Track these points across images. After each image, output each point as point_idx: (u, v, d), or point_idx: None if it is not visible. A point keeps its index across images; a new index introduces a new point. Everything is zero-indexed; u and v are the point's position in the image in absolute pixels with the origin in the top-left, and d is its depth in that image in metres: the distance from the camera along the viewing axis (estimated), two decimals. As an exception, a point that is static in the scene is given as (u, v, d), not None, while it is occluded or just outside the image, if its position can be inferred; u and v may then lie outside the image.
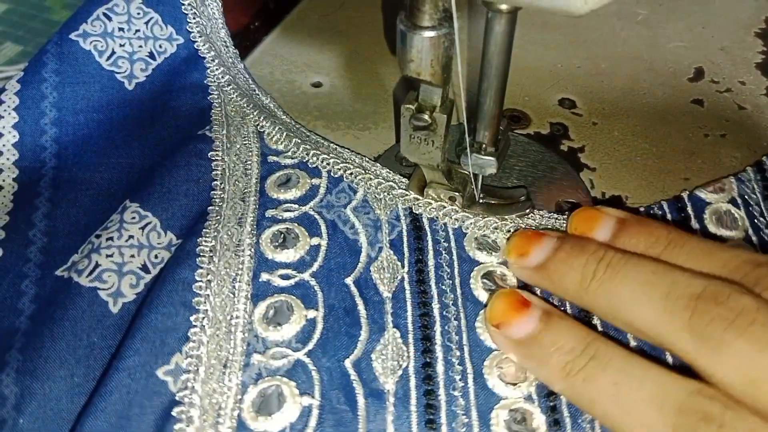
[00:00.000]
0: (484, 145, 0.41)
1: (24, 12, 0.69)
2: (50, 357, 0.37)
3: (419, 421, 0.35)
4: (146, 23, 0.51)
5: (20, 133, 0.47)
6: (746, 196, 0.44)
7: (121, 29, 0.50)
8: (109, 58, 0.50)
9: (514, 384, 0.36)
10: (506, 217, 0.43)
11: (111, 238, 0.41)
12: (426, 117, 0.38)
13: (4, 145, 0.47)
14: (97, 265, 0.40)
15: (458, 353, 0.37)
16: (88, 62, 0.49)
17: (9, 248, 0.43)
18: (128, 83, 0.50)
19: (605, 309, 0.35)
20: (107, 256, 0.40)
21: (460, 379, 0.36)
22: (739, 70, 0.58)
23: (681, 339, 0.31)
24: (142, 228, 0.42)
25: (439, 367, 0.37)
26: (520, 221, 0.43)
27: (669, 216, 0.43)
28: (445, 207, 0.43)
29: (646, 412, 0.31)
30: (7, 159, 0.46)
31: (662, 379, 0.32)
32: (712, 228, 0.42)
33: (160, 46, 0.51)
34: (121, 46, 0.50)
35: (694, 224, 0.43)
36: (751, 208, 0.43)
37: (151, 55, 0.51)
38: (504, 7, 0.34)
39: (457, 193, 0.43)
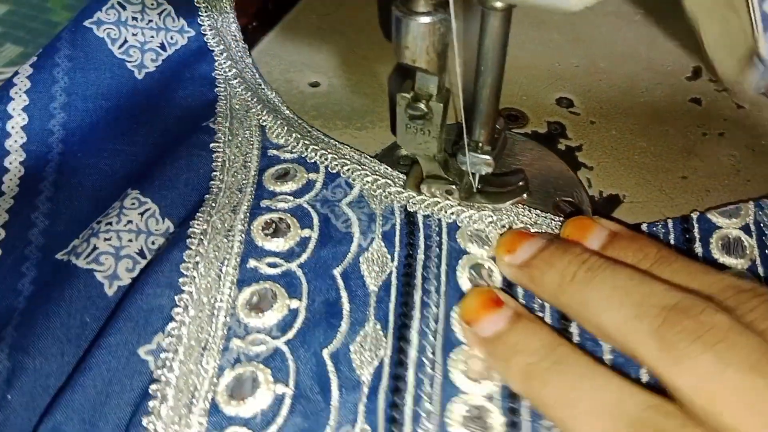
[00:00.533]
0: (480, 144, 0.41)
1: (25, 13, 0.69)
2: (43, 335, 0.37)
3: (385, 406, 0.35)
4: (159, 14, 0.52)
5: (29, 117, 0.47)
6: (762, 224, 0.42)
7: (134, 18, 0.51)
8: (121, 46, 0.50)
9: (478, 381, 0.36)
10: (503, 209, 0.42)
11: (110, 223, 0.41)
12: (422, 106, 0.38)
13: (13, 128, 0.47)
14: (94, 248, 0.40)
15: (433, 340, 0.37)
16: (101, 49, 0.50)
17: (11, 232, 0.43)
18: (138, 72, 0.51)
19: (578, 310, 0.35)
20: (105, 239, 0.40)
21: (430, 368, 0.36)
22: (737, 69, 0.57)
23: (646, 346, 0.31)
24: (141, 214, 0.42)
25: (412, 353, 0.37)
26: (516, 219, 0.42)
27: (672, 236, 0.42)
28: (440, 203, 0.43)
29: (598, 422, 0.31)
30: (15, 141, 0.47)
31: (621, 390, 0.31)
32: (716, 254, 0.41)
33: (172, 38, 0.51)
34: (133, 35, 0.51)
35: (698, 248, 0.41)
36: (765, 238, 0.42)
37: (162, 47, 0.51)
38: (498, 4, 0.34)
39: (453, 186, 0.42)
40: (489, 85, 0.38)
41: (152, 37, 0.51)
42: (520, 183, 0.44)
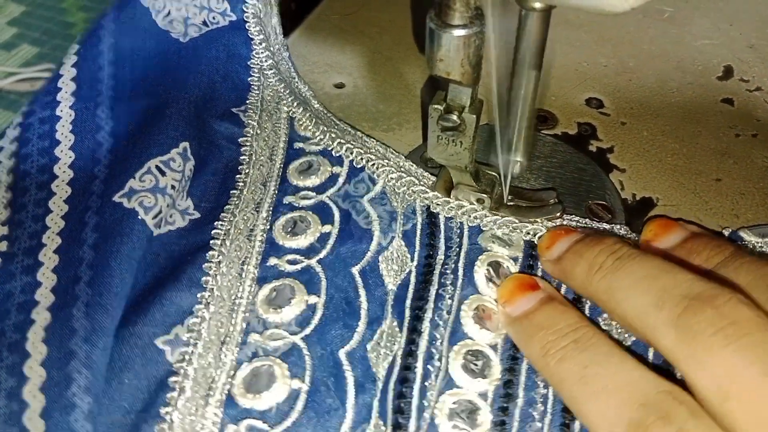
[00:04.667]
0: (513, 144, 0.40)
1: (41, 14, 0.69)
2: (119, 294, 0.37)
3: (394, 396, 0.35)
4: None
5: (78, 69, 0.47)
6: None
7: None
8: (165, 17, 0.50)
9: (475, 376, 0.36)
10: (536, 220, 0.42)
11: (174, 187, 0.42)
12: (455, 117, 0.38)
13: (63, 82, 0.46)
14: (160, 211, 0.41)
15: (443, 331, 0.38)
16: (145, 17, 0.50)
17: (77, 186, 0.43)
18: (183, 39, 0.51)
19: (604, 299, 0.35)
20: (166, 204, 0.42)
21: (437, 359, 0.37)
22: (768, 68, 0.57)
23: (665, 334, 0.30)
24: (183, 186, 0.44)
25: (423, 344, 0.37)
26: (541, 225, 0.42)
27: None
28: (464, 206, 0.43)
29: (608, 401, 0.31)
30: (66, 92, 0.46)
31: (636, 373, 0.31)
32: None
33: (213, 18, 0.51)
34: (177, 10, 0.50)
35: None
36: None
37: (204, 23, 0.51)
38: (538, 5, 0.33)
39: (484, 195, 0.42)
40: (525, 86, 0.38)
41: (195, 14, 0.51)
42: (552, 201, 0.43)
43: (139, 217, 0.40)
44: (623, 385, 0.31)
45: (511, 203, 0.43)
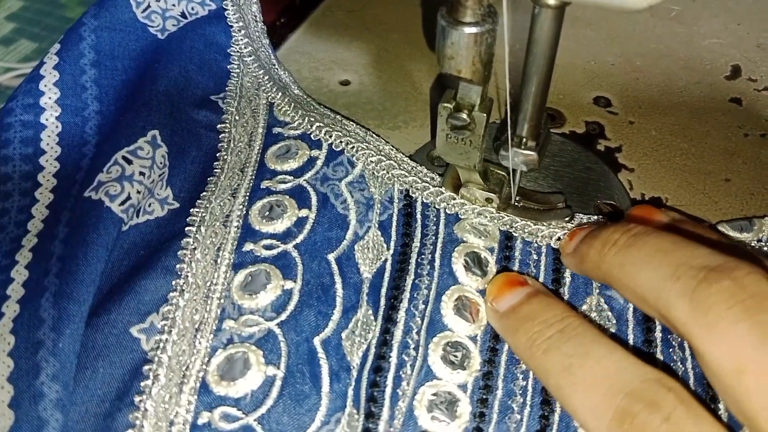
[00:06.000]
0: (524, 139, 0.40)
1: (39, 9, 0.68)
2: (85, 281, 0.37)
3: (367, 385, 0.35)
4: None
5: (60, 72, 0.47)
6: None
7: None
8: (144, 10, 0.50)
9: (454, 368, 0.36)
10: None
11: (143, 174, 0.42)
12: (464, 116, 0.37)
13: (45, 85, 0.46)
14: (128, 197, 0.41)
15: (420, 321, 0.38)
16: (125, 11, 0.49)
17: (60, 192, 0.43)
18: (161, 35, 0.50)
19: (617, 276, 0.34)
20: (137, 192, 0.41)
21: (413, 349, 0.37)
22: (776, 67, 0.56)
23: (678, 306, 0.29)
24: (160, 175, 0.43)
25: (398, 333, 0.37)
26: (518, 218, 0.42)
27: None
28: (443, 193, 0.43)
29: (594, 390, 0.30)
30: (50, 98, 0.46)
31: (623, 362, 0.31)
32: None
33: (192, 9, 0.51)
34: (156, 1, 0.50)
35: None
36: None
37: (183, 15, 0.51)
38: (552, 2, 0.33)
39: (493, 194, 0.42)
40: (537, 81, 0.37)
41: (173, 5, 0.50)
42: (560, 204, 0.43)
43: (105, 205, 0.40)
44: (609, 374, 0.30)
45: (519, 204, 0.43)
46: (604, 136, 0.50)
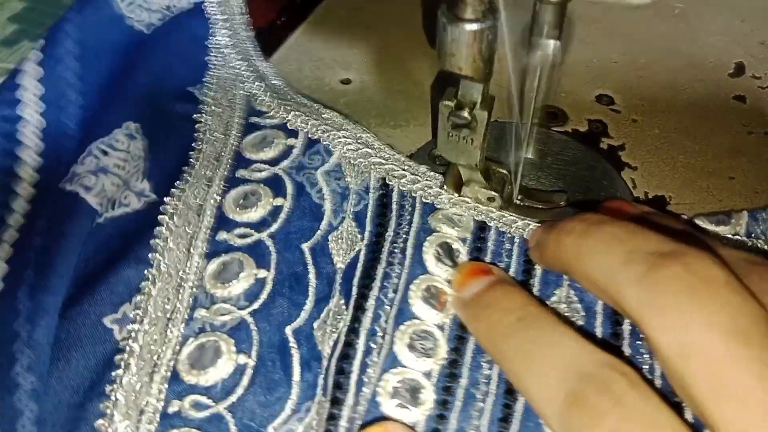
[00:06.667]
0: (524, 142, 0.40)
1: (42, 10, 0.68)
2: (60, 273, 0.37)
3: (334, 373, 0.35)
4: None
5: (43, 68, 0.46)
6: (753, 235, 0.41)
7: None
8: (129, 5, 0.49)
9: (420, 356, 0.36)
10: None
11: (118, 166, 0.42)
12: (466, 114, 0.37)
13: (28, 81, 0.46)
14: (103, 189, 0.41)
15: (388, 309, 0.38)
16: (109, 5, 0.49)
17: (41, 187, 0.43)
18: (145, 29, 0.50)
19: (574, 264, 0.34)
20: (112, 183, 0.42)
21: (380, 336, 0.37)
22: (780, 65, 0.56)
23: (629, 291, 0.29)
24: (136, 167, 0.43)
25: (366, 321, 0.37)
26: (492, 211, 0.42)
27: None
28: (419, 180, 0.43)
29: (550, 375, 0.30)
30: (33, 94, 0.46)
31: (579, 347, 0.31)
32: None
33: (177, 1, 0.51)
34: None
35: None
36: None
37: (167, 8, 0.51)
38: (553, -2, 0.33)
39: (495, 193, 0.41)
40: (536, 80, 0.37)
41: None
42: (562, 203, 0.43)
43: (80, 197, 0.40)
44: (564, 359, 0.30)
45: (521, 203, 0.43)
46: (607, 134, 0.50)
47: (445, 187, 0.43)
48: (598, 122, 0.51)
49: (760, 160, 0.48)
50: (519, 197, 0.43)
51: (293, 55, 0.58)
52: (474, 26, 0.32)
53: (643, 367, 0.35)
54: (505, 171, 0.42)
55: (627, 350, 0.36)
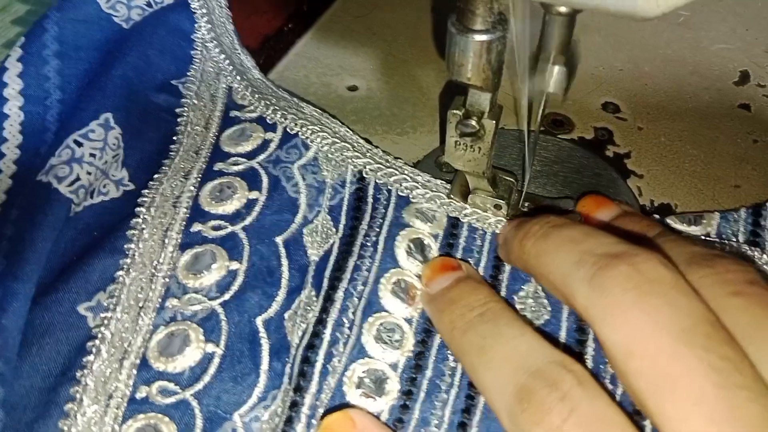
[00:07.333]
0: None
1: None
2: (30, 260, 0.38)
3: (300, 361, 0.36)
4: None
5: (24, 64, 0.46)
6: (725, 237, 0.41)
7: None
8: (109, 0, 0.49)
9: (387, 347, 0.37)
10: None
11: (94, 155, 0.43)
12: (473, 123, 0.37)
13: (9, 77, 0.46)
14: (77, 178, 0.41)
15: (357, 302, 0.38)
16: (89, 2, 0.49)
17: (18, 178, 0.43)
18: (126, 25, 0.50)
19: (534, 265, 0.35)
20: (88, 173, 0.42)
21: (347, 327, 0.37)
22: (785, 73, 0.56)
23: (580, 291, 0.30)
24: (115, 157, 0.44)
25: (334, 312, 0.38)
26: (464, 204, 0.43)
27: None
28: (396, 174, 0.44)
29: (503, 369, 0.31)
30: (13, 89, 0.46)
31: (533, 344, 0.31)
32: None
33: None
34: None
35: None
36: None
37: (148, 4, 0.51)
38: (563, 9, 0.33)
39: (502, 201, 0.42)
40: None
41: None
42: (569, 209, 0.43)
43: (53, 187, 0.40)
44: (518, 354, 0.31)
45: (527, 210, 0.43)
46: (612, 142, 0.50)
47: (451, 192, 0.43)
48: (604, 130, 0.51)
49: (765, 167, 0.48)
50: (525, 204, 0.43)
51: (300, 61, 0.58)
52: (483, 37, 0.32)
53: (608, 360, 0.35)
54: (511, 178, 0.43)
55: (592, 345, 0.37)
